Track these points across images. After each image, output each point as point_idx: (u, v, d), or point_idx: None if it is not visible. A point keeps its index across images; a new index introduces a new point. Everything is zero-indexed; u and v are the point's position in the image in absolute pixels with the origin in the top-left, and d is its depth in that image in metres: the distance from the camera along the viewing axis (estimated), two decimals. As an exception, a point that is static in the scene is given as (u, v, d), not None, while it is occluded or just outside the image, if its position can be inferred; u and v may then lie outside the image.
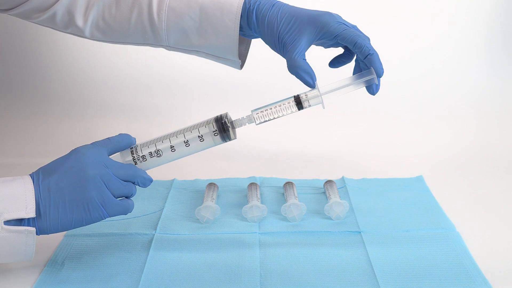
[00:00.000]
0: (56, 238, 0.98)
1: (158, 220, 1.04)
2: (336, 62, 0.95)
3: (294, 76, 0.89)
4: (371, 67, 0.87)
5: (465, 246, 0.95)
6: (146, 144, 0.89)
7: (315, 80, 0.88)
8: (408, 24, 1.57)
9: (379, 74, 0.87)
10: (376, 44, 1.55)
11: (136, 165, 0.88)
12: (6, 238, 0.79)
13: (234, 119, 0.89)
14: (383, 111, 1.51)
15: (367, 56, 0.87)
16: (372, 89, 0.89)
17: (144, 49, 1.04)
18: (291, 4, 0.95)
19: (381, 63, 0.88)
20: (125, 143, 0.88)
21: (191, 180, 1.20)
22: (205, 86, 1.56)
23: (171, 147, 0.88)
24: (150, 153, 0.88)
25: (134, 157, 0.88)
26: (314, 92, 0.88)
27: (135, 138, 0.90)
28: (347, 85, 0.88)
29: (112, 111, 1.54)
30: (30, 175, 0.83)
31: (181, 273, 0.89)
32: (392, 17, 1.57)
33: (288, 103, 0.88)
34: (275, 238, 0.99)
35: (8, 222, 0.79)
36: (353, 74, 0.91)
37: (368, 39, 0.91)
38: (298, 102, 0.88)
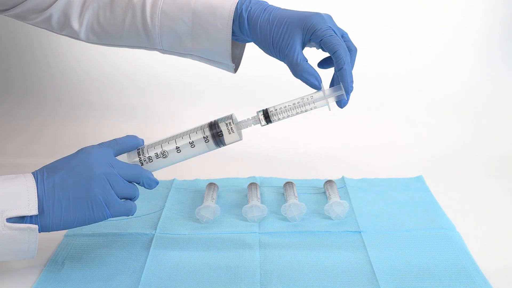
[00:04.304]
0: (56, 238, 0.98)
1: (158, 220, 1.04)
2: (324, 63, 0.95)
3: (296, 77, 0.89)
4: (340, 83, 0.87)
5: (465, 246, 0.95)
6: (152, 146, 0.89)
7: (321, 82, 0.88)
8: (409, 24, 1.57)
9: (347, 91, 0.87)
10: (377, 44, 1.57)
11: (142, 166, 0.88)
12: (8, 236, 0.79)
13: (240, 120, 0.89)
14: (383, 111, 1.51)
15: (340, 69, 0.87)
16: (340, 103, 0.89)
17: (146, 50, 1.05)
18: (293, 8, 0.95)
19: (351, 79, 0.87)
20: (131, 144, 0.89)
21: (191, 180, 1.20)
22: (212, 87, 1.56)
23: (176, 148, 0.88)
24: (156, 154, 0.88)
25: (141, 158, 0.88)
26: (320, 93, 0.88)
27: (142, 140, 0.90)
28: (318, 100, 0.88)
29: (113, 113, 1.54)
30: (33, 173, 0.83)
31: (181, 273, 0.89)
32: (394, 17, 1.57)
33: (294, 104, 0.88)
34: (275, 238, 0.99)
35: (10, 220, 0.79)
36: (332, 81, 0.92)
37: (355, 50, 0.90)
38: (306, 104, 0.88)
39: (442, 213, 1.06)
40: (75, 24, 1.01)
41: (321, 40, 0.88)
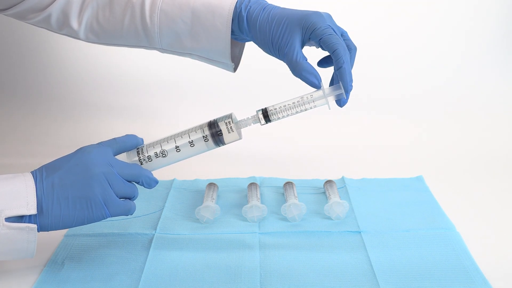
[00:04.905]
0: (56, 238, 0.98)
1: (158, 220, 1.04)
2: (324, 62, 0.94)
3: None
4: (340, 82, 0.87)
5: (465, 246, 0.95)
6: (152, 145, 0.89)
7: (320, 81, 0.88)
8: (409, 23, 1.57)
9: (347, 90, 0.87)
10: (377, 43, 1.57)
11: (142, 165, 0.88)
12: (7, 235, 0.79)
13: (239, 119, 0.89)
14: (383, 111, 1.51)
15: (339, 68, 0.86)
16: (339, 102, 0.89)
17: (145, 50, 1.05)
18: (293, 7, 0.94)
19: (351, 78, 0.87)
20: (131, 143, 0.89)
21: (191, 180, 1.20)
22: (211, 86, 1.56)
23: (176, 148, 0.88)
24: (156, 154, 0.88)
25: (140, 157, 0.88)
26: (320, 92, 0.88)
27: (142, 139, 0.90)
28: (318, 99, 0.88)
29: (113, 112, 1.54)
30: (32, 172, 0.83)
31: (181, 273, 0.89)
32: (394, 16, 1.57)
33: (293, 103, 0.88)
34: (275, 238, 0.99)
35: (9, 219, 0.79)
36: (331, 80, 0.91)
37: (354, 49, 0.90)
38: (305, 103, 0.88)
39: (442, 213, 1.06)
40: (74, 24, 1.01)
41: (320, 39, 0.88)
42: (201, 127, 0.89)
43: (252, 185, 1.13)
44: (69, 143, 1.36)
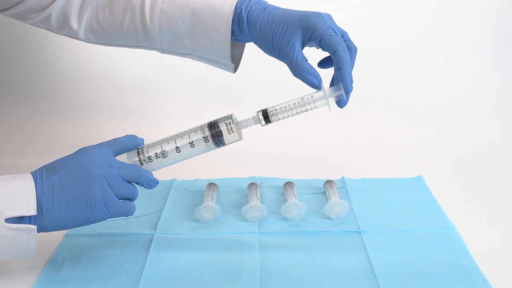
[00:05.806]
0: (56, 238, 0.98)
1: (158, 220, 1.04)
2: (324, 63, 0.94)
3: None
4: (340, 83, 0.87)
5: (465, 246, 0.95)
6: (152, 145, 0.89)
7: (321, 81, 0.88)
8: (410, 24, 1.57)
9: (347, 90, 0.87)
10: (377, 43, 1.57)
11: (142, 166, 0.88)
12: (7, 236, 0.79)
13: (240, 120, 0.89)
14: (383, 111, 1.51)
15: (339, 68, 0.86)
16: (340, 103, 0.89)
17: (145, 50, 1.05)
18: (293, 8, 0.94)
19: (351, 79, 0.87)
20: (131, 144, 0.89)
21: (191, 180, 1.20)
22: (211, 86, 1.56)
23: (176, 148, 0.88)
24: (156, 154, 0.88)
25: (140, 158, 0.88)
26: (320, 93, 0.88)
27: (142, 139, 0.90)
28: (318, 99, 0.87)
29: (114, 113, 1.54)
30: (32, 173, 0.83)
31: (181, 273, 0.89)
32: (394, 17, 1.57)
33: (294, 104, 0.88)
34: (275, 238, 0.99)
35: (8, 220, 0.79)
36: (332, 81, 0.91)
37: (355, 50, 0.90)
38: (306, 103, 0.88)
39: (442, 213, 1.06)
40: (74, 24, 1.01)
41: (320, 40, 0.88)
42: (201, 127, 0.89)
43: (252, 185, 1.13)
44: (69, 143, 1.36)
